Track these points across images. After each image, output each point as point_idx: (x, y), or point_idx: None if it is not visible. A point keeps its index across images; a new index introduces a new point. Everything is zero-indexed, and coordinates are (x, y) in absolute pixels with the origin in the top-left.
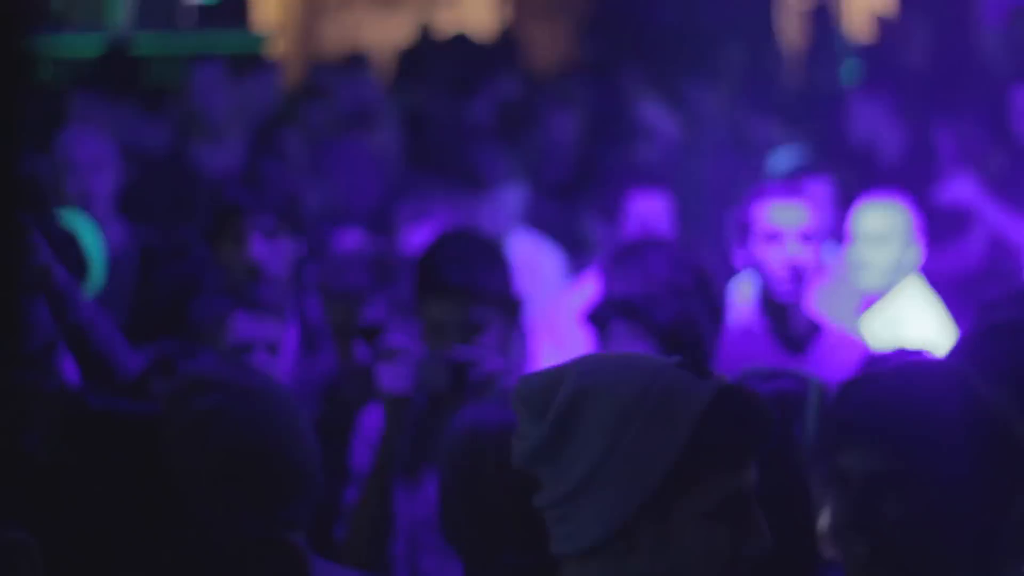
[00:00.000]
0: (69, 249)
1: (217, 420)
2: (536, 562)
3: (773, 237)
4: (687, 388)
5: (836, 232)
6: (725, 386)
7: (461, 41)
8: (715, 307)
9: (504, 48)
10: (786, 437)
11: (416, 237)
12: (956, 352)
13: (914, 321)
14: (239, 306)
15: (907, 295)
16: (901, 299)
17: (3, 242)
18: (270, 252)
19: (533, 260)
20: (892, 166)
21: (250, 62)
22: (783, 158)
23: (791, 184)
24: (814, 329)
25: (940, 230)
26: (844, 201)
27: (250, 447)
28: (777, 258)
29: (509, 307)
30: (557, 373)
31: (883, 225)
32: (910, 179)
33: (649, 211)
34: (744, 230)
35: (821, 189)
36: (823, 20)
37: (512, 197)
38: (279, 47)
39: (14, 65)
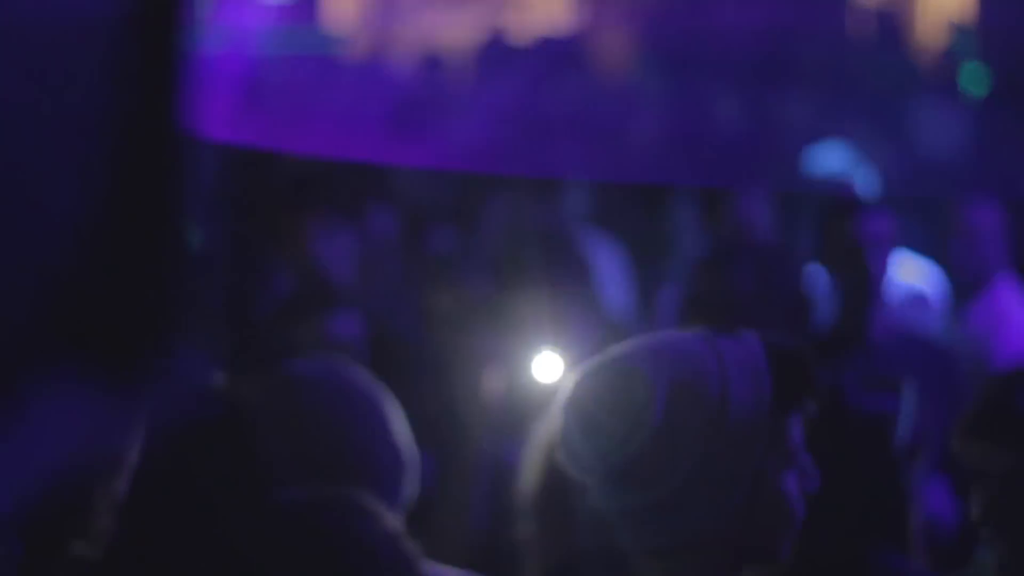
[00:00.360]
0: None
1: (310, 415)
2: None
3: None
4: (747, 353)
5: None
6: (758, 339)
7: (535, 42)
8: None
9: (577, 49)
10: (883, 440)
11: (493, 233)
12: None
13: None
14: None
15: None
16: None
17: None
18: (334, 249)
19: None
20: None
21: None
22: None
23: None
24: None
25: None
26: None
27: (338, 440)
28: None
29: (591, 303)
30: (622, 371)
31: None
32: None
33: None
34: None
35: None
36: (891, 23)
37: (579, 195)
38: (356, 47)
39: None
